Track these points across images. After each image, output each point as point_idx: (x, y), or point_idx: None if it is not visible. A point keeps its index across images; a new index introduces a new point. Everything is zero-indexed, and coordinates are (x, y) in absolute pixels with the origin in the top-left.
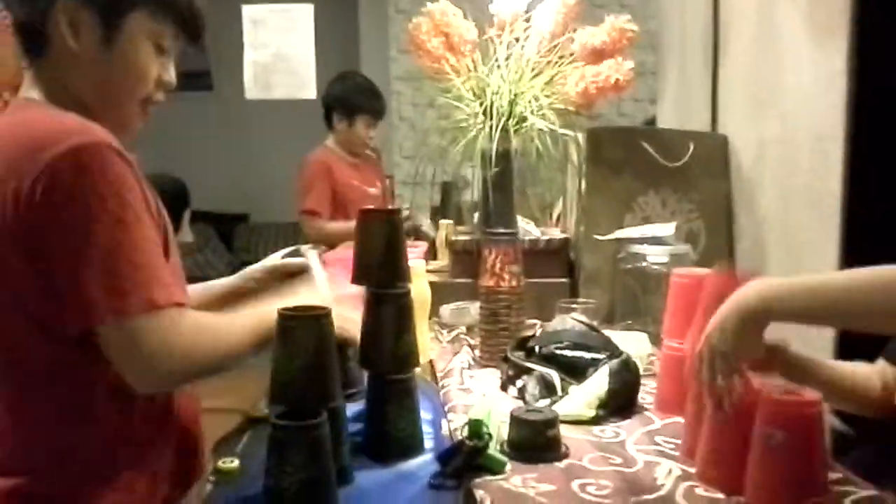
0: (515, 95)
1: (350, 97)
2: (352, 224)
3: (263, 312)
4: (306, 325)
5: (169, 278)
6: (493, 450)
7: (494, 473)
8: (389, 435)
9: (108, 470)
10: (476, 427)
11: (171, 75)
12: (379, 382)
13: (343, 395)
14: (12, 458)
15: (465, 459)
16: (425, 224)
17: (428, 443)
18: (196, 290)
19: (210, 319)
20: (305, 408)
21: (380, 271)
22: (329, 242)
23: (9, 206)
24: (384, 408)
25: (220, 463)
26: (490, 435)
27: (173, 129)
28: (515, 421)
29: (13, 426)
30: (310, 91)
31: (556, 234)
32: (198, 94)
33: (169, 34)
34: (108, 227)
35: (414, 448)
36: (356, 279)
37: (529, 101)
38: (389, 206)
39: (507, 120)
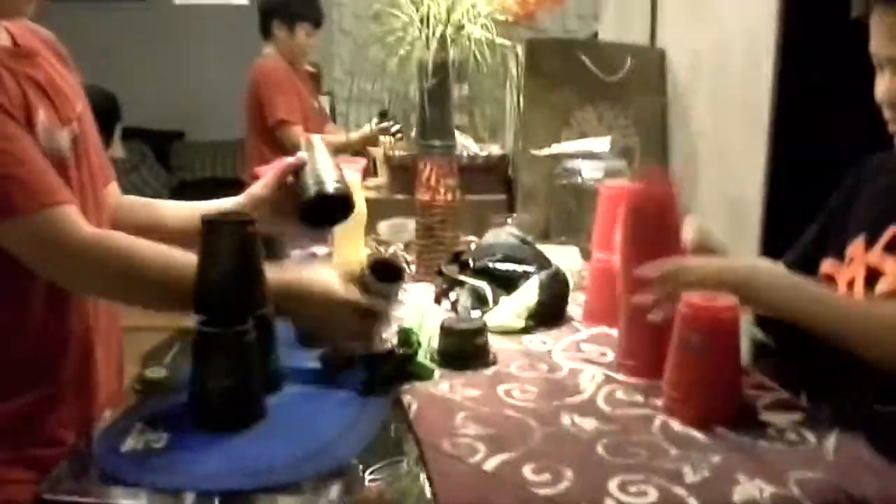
0: (453, 2)
1: (290, 3)
2: (338, 137)
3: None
4: (229, 229)
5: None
6: (424, 359)
7: (423, 380)
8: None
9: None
10: (406, 336)
11: None
12: None
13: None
14: None
15: (395, 367)
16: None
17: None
18: (179, 213)
19: (119, 235)
20: (230, 314)
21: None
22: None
23: None
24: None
25: (146, 372)
26: (419, 343)
27: (103, 40)
28: (445, 330)
29: None
30: None
31: (494, 149)
32: (127, 4)
33: None
34: None
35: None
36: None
37: (468, 9)
38: (328, 121)
39: (445, 28)
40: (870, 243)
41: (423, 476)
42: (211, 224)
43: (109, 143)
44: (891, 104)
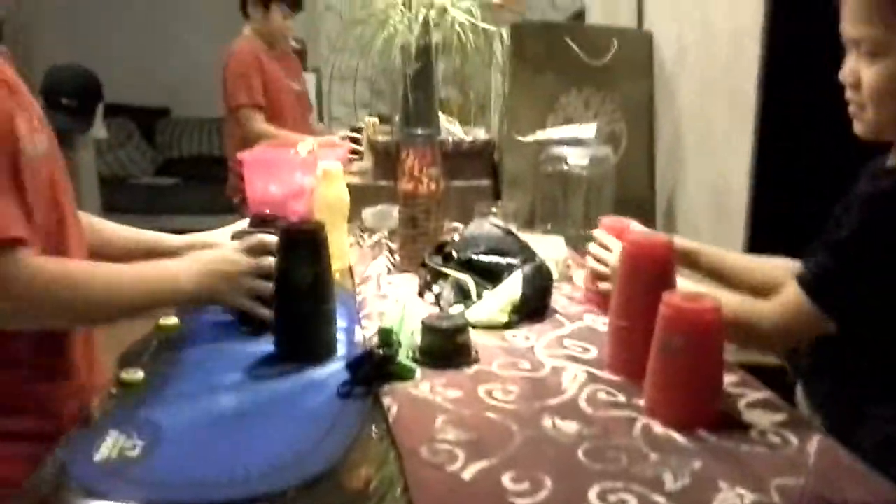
0: None
1: None
2: (291, 135)
3: (160, 273)
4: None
5: (8, 210)
6: (405, 357)
7: (404, 381)
8: (301, 340)
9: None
10: (385, 336)
11: None
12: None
13: None
14: None
15: (374, 367)
16: None
17: (340, 351)
18: (125, 235)
19: (83, 269)
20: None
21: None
22: (257, 141)
23: None
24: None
25: (122, 374)
26: (399, 343)
27: (87, 17)
28: (426, 328)
29: None
30: None
31: (480, 135)
32: None
33: None
34: None
35: (326, 355)
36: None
37: None
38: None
39: (428, 11)
40: None
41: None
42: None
43: (91, 123)
44: (850, 85)
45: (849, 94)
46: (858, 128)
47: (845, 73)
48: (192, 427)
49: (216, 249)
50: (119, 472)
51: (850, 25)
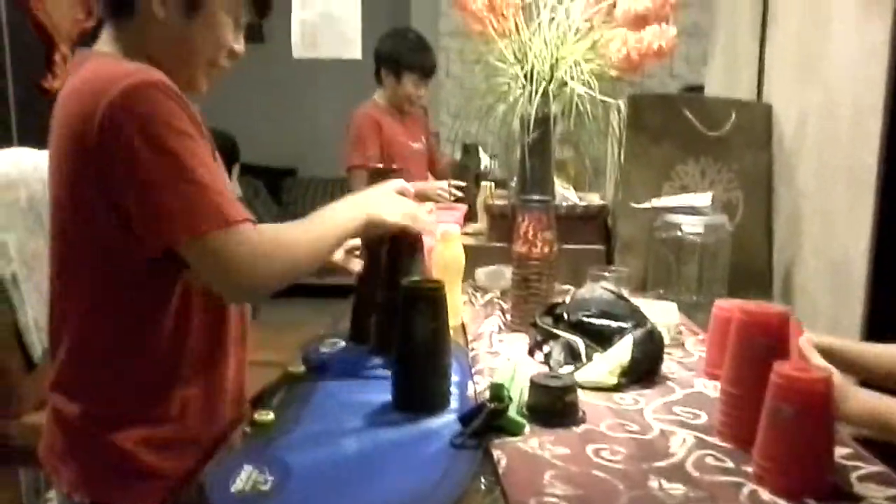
0: (557, 60)
1: (400, 55)
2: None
3: (333, 210)
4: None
5: (233, 197)
6: (514, 413)
7: (513, 435)
8: (417, 391)
9: (164, 393)
10: (497, 390)
11: (241, 46)
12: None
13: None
14: (77, 382)
15: (486, 421)
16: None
17: (453, 403)
18: None
19: (284, 228)
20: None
21: None
22: None
23: (81, 152)
24: (416, 364)
25: (255, 415)
26: (511, 398)
27: (224, 84)
28: (535, 386)
29: (80, 348)
30: (355, 50)
31: (594, 200)
32: (249, 45)
33: (245, 9)
34: (167, 155)
35: (440, 406)
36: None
37: (571, 66)
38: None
39: (548, 84)
40: None
41: None
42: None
43: (229, 180)
44: None
45: None
46: None
47: None
48: (317, 467)
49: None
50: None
51: None
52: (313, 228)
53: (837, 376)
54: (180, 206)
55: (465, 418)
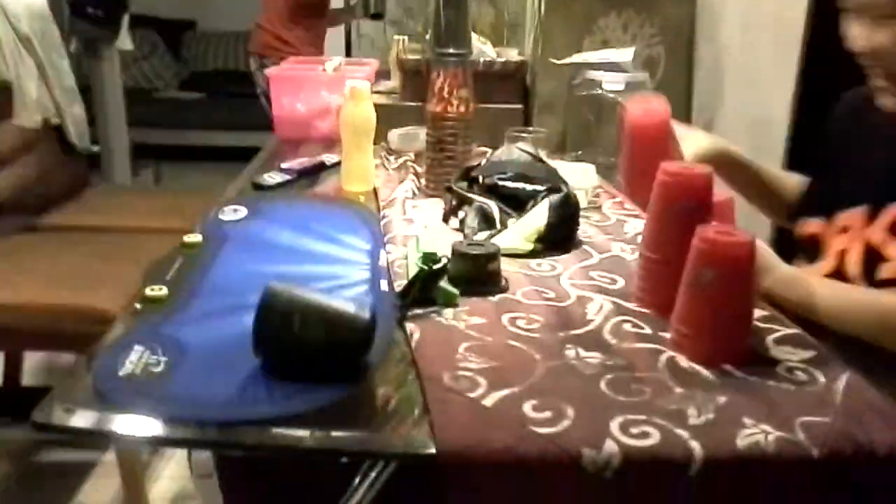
0: None
1: None
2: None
3: None
4: None
5: None
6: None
7: (449, 306)
8: None
9: None
10: (430, 257)
11: None
12: None
13: None
14: None
15: (424, 285)
16: None
17: (364, 273)
18: None
19: None
20: None
21: None
22: None
23: None
24: None
25: (147, 290)
26: (448, 259)
27: None
28: (456, 255)
29: None
30: None
31: (512, 56)
32: None
33: None
34: None
35: None
36: None
37: None
38: None
39: None
40: (871, 216)
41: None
42: None
43: (117, 33)
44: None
45: (865, 61)
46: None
47: (856, 43)
48: (215, 346)
49: None
50: (143, 388)
51: None
52: None
53: (761, 244)
54: None
55: (403, 289)
